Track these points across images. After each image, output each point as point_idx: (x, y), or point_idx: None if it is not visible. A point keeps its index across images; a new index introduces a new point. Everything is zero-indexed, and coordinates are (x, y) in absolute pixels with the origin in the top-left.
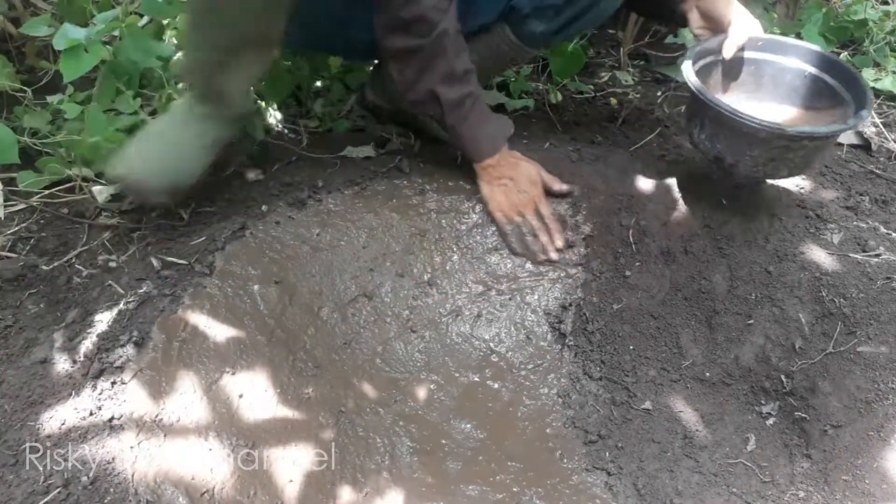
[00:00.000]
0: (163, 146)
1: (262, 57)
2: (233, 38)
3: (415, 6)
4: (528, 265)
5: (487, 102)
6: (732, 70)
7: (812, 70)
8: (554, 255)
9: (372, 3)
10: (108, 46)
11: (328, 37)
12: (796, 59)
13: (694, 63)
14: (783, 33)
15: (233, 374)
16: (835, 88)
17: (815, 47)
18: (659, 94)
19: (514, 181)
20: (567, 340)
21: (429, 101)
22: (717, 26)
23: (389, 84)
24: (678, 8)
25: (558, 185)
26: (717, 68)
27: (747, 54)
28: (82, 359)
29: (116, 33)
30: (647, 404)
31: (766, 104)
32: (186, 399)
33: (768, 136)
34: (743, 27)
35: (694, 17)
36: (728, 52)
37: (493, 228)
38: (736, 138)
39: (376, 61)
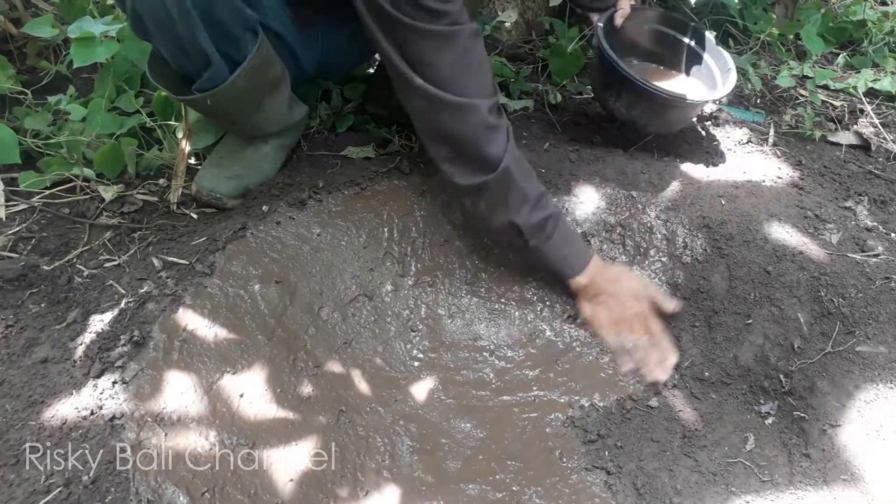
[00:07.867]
0: (231, 162)
1: (278, 93)
2: (241, 118)
3: (484, 147)
4: (524, 267)
5: None
6: (624, 36)
7: (685, 39)
8: (662, 376)
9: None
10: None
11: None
12: (671, 28)
13: (604, 37)
14: (782, 34)
15: (233, 373)
16: (696, 50)
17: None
18: None
19: (616, 297)
20: None
21: (509, 231)
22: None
23: (387, 94)
24: None
25: (669, 304)
26: (615, 37)
27: (630, 22)
28: (83, 358)
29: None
30: (647, 403)
31: (650, 66)
32: (187, 398)
33: (677, 104)
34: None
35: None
36: (619, 21)
37: None
38: (652, 107)
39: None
